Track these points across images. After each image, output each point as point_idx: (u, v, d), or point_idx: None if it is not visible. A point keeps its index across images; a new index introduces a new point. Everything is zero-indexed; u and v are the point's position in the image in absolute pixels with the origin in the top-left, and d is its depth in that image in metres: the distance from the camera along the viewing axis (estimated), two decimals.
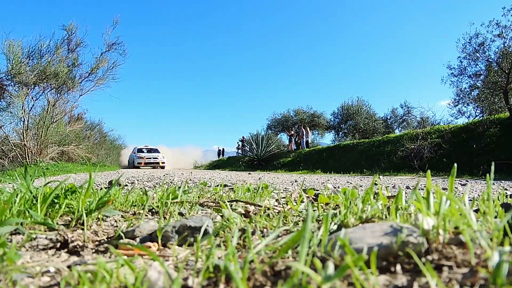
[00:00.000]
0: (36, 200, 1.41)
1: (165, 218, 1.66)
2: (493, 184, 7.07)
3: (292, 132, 30.62)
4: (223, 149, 42.99)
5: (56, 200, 1.50)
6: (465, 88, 21.12)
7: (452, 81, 21.36)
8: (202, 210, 1.99)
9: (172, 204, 1.97)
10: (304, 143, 28.54)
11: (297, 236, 0.77)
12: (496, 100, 19.68)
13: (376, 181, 1.40)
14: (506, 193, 3.85)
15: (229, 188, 3.61)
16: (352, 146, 22.92)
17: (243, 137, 34.59)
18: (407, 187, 5.92)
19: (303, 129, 28.99)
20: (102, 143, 31.92)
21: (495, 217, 1.14)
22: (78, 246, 1.10)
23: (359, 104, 34.80)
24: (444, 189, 5.14)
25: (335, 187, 5.53)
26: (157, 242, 1.16)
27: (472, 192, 4.89)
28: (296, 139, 29.98)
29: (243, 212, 1.81)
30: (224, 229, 1.33)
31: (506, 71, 17.08)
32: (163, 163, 29.50)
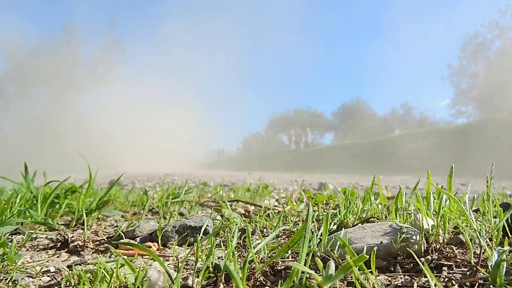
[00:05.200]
0: (37, 200, 1.42)
1: (165, 218, 1.66)
2: (493, 184, 7.05)
3: (292, 132, 30.63)
4: (222, 149, 43.02)
5: (56, 200, 1.50)
6: (465, 88, 21.16)
7: (452, 81, 21.40)
8: (202, 210, 2.00)
9: (172, 204, 1.97)
10: (303, 143, 28.54)
11: (297, 236, 0.77)
12: (495, 100, 19.71)
13: (376, 181, 1.40)
14: (505, 193, 3.85)
15: (229, 188, 3.61)
16: (352, 146, 22.94)
17: None
18: (407, 187, 5.92)
19: (302, 129, 29.00)
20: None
21: (495, 217, 1.15)
22: (78, 246, 1.10)
23: (359, 104, 34.87)
24: (443, 189, 5.13)
25: (335, 187, 5.54)
26: (157, 242, 1.16)
27: (471, 192, 4.89)
28: (296, 139, 29.97)
29: (243, 212, 1.82)
30: (224, 229, 1.33)
31: (506, 71, 17.08)
32: None
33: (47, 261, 0.99)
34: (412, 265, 0.77)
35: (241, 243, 1.13)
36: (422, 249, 0.82)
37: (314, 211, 1.56)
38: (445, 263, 0.76)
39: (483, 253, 0.75)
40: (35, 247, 1.13)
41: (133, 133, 34.67)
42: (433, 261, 0.77)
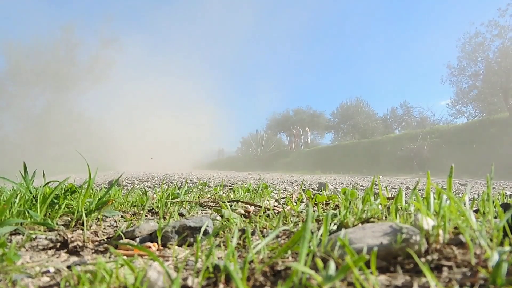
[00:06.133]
0: (36, 200, 1.41)
1: (165, 218, 1.66)
2: (493, 184, 7.08)
3: (293, 132, 30.55)
4: (222, 149, 42.96)
5: (56, 200, 1.50)
6: (465, 87, 21.16)
7: (451, 81, 21.41)
8: (202, 210, 1.99)
9: (172, 204, 1.97)
10: (302, 143, 28.50)
11: (297, 236, 0.77)
12: (495, 100, 19.70)
13: (376, 181, 1.40)
14: (505, 193, 3.85)
15: (229, 188, 3.61)
16: (352, 146, 22.94)
17: None
18: (407, 187, 5.92)
19: (301, 129, 28.96)
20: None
21: (495, 217, 1.15)
22: (78, 246, 1.10)
23: (358, 104, 34.86)
24: (443, 189, 5.13)
25: (335, 187, 5.54)
26: (157, 242, 1.16)
27: (471, 192, 4.89)
28: (296, 139, 29.92)
29: (243, 212, 1.81)
30: (224, 229, 1.33)
31: (505, 71, 17.08)
32: None
33: (47, 262, 0.98)
34: (412, 265, 0.77)
35: (241, 243, 1.13)
36: (422, 250, 0.82)
37: (314, 211, 1.55)
38: (446, 263, 0.76)
39: (484, 253, 0.75)
40: (34, 248, 1.13)
41: (133, 133, 34.70)
42: (433, 261, 0.77)
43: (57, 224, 1.41)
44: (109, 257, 1.03)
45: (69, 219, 1.50)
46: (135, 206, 1.93)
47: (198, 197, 2.41)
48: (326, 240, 0.85)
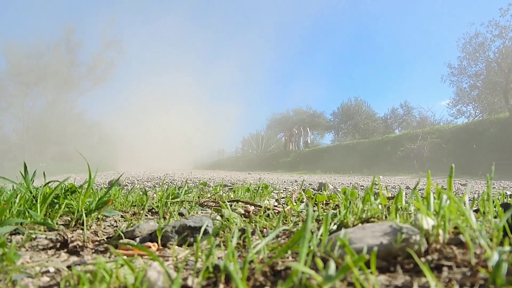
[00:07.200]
0: (36, 200, 1.41)
1: (165, 218, 1.66)
2: (493, 184, 7.09)
3: (294, 131, 30.47)
4: (222, 149, 42.98)
5: (56, 200, 1.50)
6: (465, 87, 21.15)
7: (452, 81, 21.41)
8: (202, 210, 1.99)
9: (172, 204, 1.97)
10: (302, 143, 28.46)
11: (297, 236, 0.77)
12: (495, 100, 19.69)
13: (376, 181, 1.40)
14: (505, 193, 3.85)
15: (229, 188, 3.61)
16: (352, 146, 22.93)
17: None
18: (407, 187, 5.92)
19: (301, 129, 28.94)
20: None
21: (495, 217, 1.14)
22: (77, 246, 1.10)
23: (358, 104, 34.84)
24: (443, 189, 5.13)
25: (335, 187, 5.53)
26: (157, 242, 1.16)
27: (471, 192, 4.89)
28: (295, 139, 29.85)
29: (243, 212, 1.81)
30: (224, 229, 1.33)
31: (506, 71, 17.07)
32: None
33: (47, 262, 0.98)
34: (412, 265, 0.77)
35: (241, 243, 1.13)
36: (422, 249, 0.82)
37: (314, 211, 1.55)
38: (445, 263, 0.75)
39: (484, 253, 0.75)
40: (34, 247, 1.13)
41: (133, 133, 34.74)
42: (433, 261, 0.77)
43: (57, 224, 1.41)
44: (109, 257, 1.03)
45: (69, 219, 1.50)
46: (135, 206, 1.93)
47: (198, 197, 2.41)
48: (326, 240, 0.85)
